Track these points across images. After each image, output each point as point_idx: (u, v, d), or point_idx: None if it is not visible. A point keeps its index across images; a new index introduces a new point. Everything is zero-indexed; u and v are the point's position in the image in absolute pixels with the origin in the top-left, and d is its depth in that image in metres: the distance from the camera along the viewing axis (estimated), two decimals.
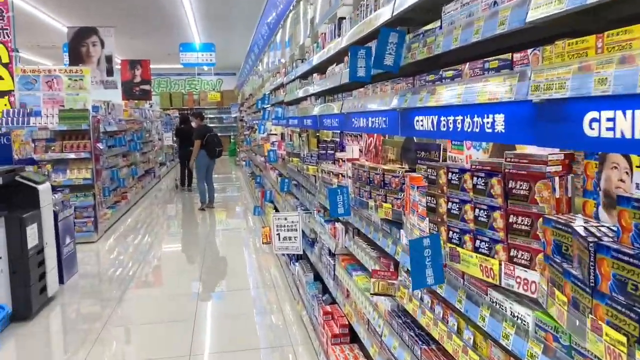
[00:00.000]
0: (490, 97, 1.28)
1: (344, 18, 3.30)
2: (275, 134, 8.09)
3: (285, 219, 4.19)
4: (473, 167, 1.54)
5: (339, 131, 3.91)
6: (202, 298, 4.93)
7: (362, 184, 2.58)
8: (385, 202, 2.32)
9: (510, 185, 1.37)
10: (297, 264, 4.59)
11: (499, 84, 1.24)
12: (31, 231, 4.18)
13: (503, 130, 1.26)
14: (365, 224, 2.65)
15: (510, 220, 1.36)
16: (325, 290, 3.80)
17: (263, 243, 6.58)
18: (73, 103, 7.11)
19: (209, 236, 7.68)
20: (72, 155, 6.89)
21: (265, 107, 8.50)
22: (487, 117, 1.33)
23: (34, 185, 4.41)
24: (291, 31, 5.91)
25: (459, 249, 1.56)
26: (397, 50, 2.08)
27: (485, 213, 1.45)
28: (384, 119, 2.33)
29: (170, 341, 4.03)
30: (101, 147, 7.08)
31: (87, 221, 6.96)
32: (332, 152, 3.84)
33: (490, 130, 1.32)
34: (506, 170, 1.39)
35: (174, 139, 14.41)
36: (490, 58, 1.47)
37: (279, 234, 4.19)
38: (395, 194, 2.27)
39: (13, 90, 6.95)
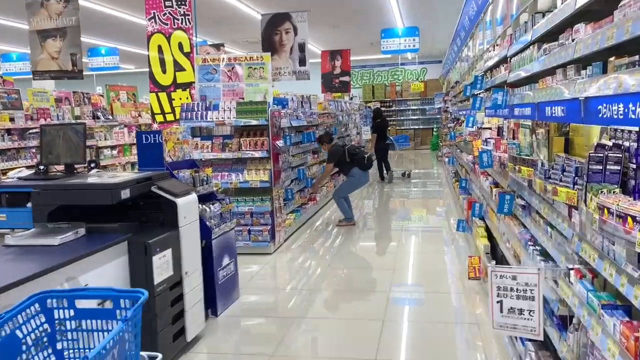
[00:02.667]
0: None
1: None
2: (489, 128, 6.23)
3: (514, 278, 2.47)
4: None
5: (627, 129, 2.06)
6: None
7: None
8: None
9: None
10: (530, 345, 2.83)
11: None
12: (161, 260, 3.22)
13: None
14: None
15: None
16: None
17: (469, 278, 4.89)
18: (253, 95, 6.31)
19: (400, 254, 6.21)
20: (249, 154, 6.08)
21: (475, 93, 6.68)
22: None
23: (171, 198, 3.47)
24: None
25: None
26: None
27: None
28: None
29: None
30: (280, 145, 6.15)
31: (263, 229, 6.09)
32: (618, 168, 2.01)
33: None
34: None
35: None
36: None
37: (500, 302, 2.51)
38: None
39: (194, 82, 6.43)
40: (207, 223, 4.17)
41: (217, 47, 12.01)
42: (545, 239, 2.96)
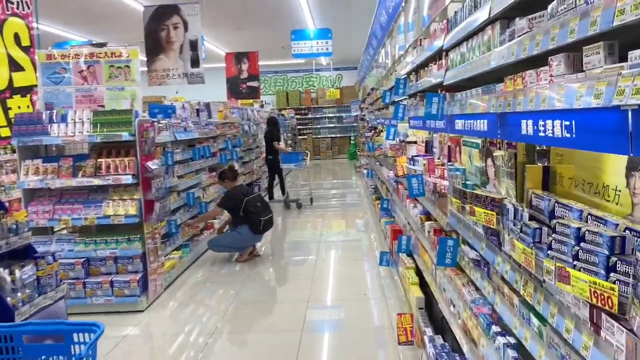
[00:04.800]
0: None
1: None
2: (415, 142, 5.17)
3: None
4: None
5: None
6: None
7: None
8: None
9: None
10: None
11: None
12: None
13: None
14: None
15: None
16: None
17: (400, 343, 3.75)
18: (116, 102, 4.84)
19: (313, 301, 4.97)
20: (109, 180, 4.59)
21: (397, 100, 5.66)
22: None
23: None
24: None
25: None
26: None
27: None
28: None
29: None
30: (153, 167, 4.72)
31: (131, 280, 4.60)
32: None
33: None
34: None
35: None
36: None
37: None
38: None
39: (36, 86, 4.86)
40: (8, 299, 2.69)
41: (100, 46, 10.23)
42: (527, 334, 1.82)
